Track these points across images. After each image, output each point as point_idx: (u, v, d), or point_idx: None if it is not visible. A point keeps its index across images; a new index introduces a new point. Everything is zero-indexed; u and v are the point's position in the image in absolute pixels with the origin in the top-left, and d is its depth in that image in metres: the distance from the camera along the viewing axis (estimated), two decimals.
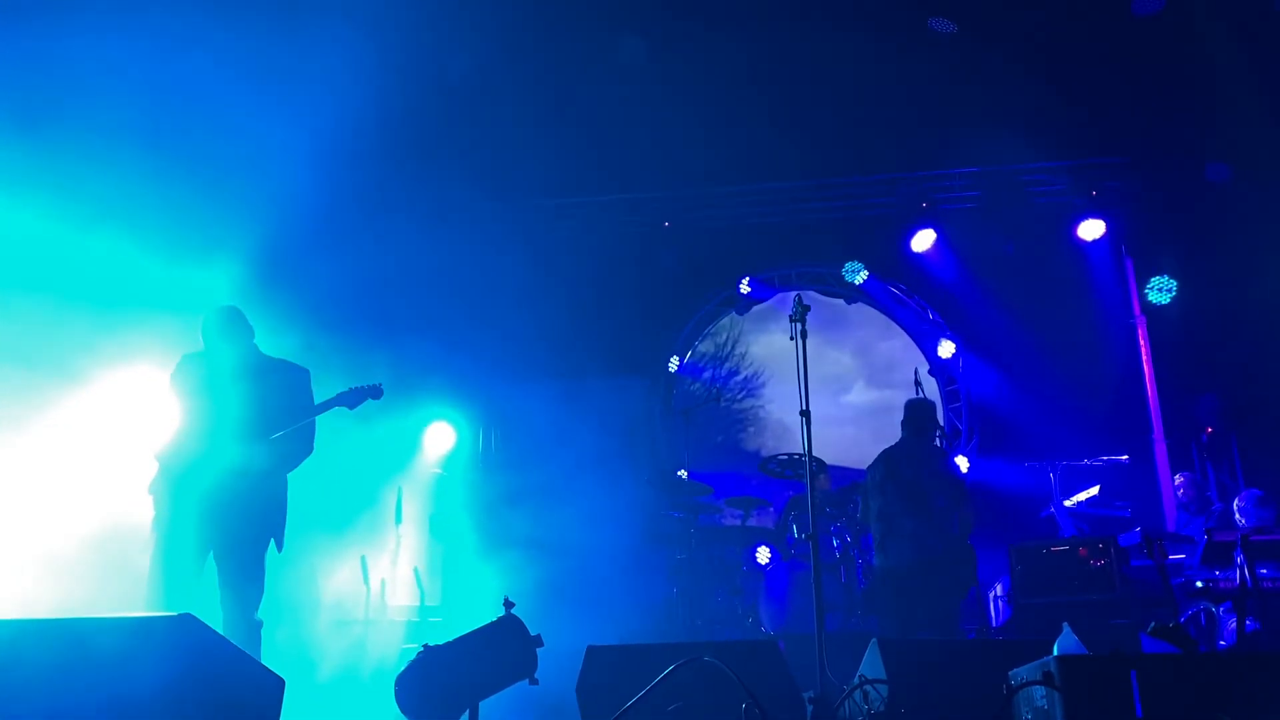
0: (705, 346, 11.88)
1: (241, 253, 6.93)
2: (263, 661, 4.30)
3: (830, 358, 11.62)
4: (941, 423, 7.25)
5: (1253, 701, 2.75)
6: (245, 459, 4.99)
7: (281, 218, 7.12)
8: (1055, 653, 3.33)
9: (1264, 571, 5.78)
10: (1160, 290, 9.20)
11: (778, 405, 12.04)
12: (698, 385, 11.41)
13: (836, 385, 11.63)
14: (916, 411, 6.86)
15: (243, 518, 5.00)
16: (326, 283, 7.92)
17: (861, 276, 10.44)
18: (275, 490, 5.19)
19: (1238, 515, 7.36)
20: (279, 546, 5.13)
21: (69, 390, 6.46)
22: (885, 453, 6.87)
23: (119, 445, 6.40)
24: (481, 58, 8.22)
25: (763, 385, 12.51)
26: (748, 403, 12.69)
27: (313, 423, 5.31)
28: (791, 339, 5.09)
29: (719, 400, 11.32)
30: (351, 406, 5.34)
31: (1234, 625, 5.78)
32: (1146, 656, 3.11)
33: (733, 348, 12.42)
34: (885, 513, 6.62)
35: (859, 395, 11.58)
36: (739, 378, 12.53)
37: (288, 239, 7.29)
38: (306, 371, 5.44)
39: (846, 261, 10.62)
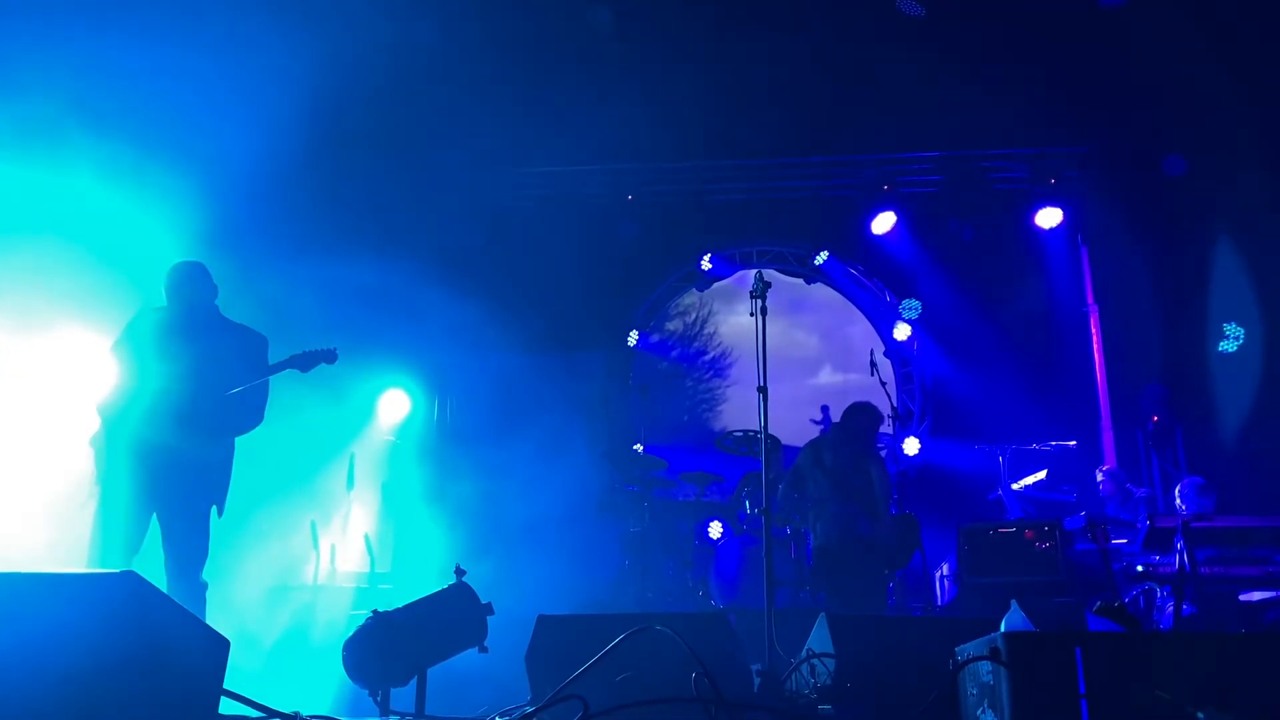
0: (674, 325, 11.86)
1: (190, 216, 6.75)
2: (207, 623, 4.23)
3: (798, 341, 11.68)
4: (884, 424, 7.51)
5: (1192, 679, 2.82)
6: (192, 417, 4.90)
7: (232, 182, 6.94)
8: (1003, 629, 3.38)
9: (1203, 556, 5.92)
10: (1232, 339, 9.20)
11: (744, 385, 12.09)
12: (665, 364, 11.39)
13: (804, 368, 11.68)
14: (856, 411, 7.32)
15: (186, 478, 4.92)
16: (280, 247, 7.76)
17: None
18: (221, 452, 5.11)
19: (1179, 502, 7.49)
20: (219, 511, 5.04)
21: None
22: (813, 442, 7.51)
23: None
24: (447, 22, 8.08)
25: (730, 365, 12.52)
26: (715, 382, 12.70)
27: (265, 388, 5.23)
28: (751, 315, 5.08)
29: (679, 375, 11.35)
30: (304, 369, 5.26)
31: (1172, 609, 5.91)
32: (1091, 634, 3.16)
33: (701, 328, 12.42)
34: (816, 498, 7.24)
35: (826, 378, 11.64)
36: (706, 357, 12.53)
37: (240, 200, 7.12)
38: (265, 339, 5.35)
39: (808, 241, 10.64)
